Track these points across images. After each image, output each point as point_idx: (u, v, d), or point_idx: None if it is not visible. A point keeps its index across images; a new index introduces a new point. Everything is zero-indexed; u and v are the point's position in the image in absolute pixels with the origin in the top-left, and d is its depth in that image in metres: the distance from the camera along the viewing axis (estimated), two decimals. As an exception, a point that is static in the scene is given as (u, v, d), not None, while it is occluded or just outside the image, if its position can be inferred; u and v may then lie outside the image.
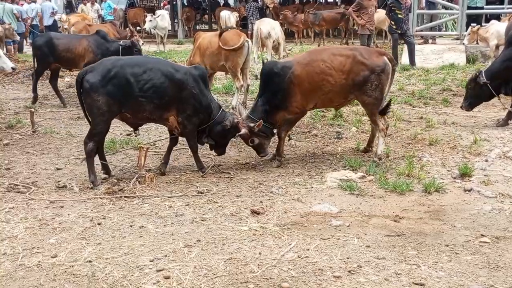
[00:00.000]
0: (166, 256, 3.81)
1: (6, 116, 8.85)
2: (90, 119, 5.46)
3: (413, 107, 8.79)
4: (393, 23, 12.69)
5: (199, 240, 4.07)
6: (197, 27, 27.34)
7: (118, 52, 9.06)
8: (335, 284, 3.36)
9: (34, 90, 9.90)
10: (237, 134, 5.92)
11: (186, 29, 24.57)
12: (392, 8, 12.58)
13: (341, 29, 19.98)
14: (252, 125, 5.81)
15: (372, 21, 13.39)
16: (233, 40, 8.36)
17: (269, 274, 3.50)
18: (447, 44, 14.55)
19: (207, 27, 29.00)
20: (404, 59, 13.24)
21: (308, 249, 3.86)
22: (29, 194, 5.29)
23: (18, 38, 15.96)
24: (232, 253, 3.84)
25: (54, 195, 5.29)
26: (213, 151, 6.14)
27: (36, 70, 9.72)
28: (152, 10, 22.54)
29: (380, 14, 15.43)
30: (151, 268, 3.62)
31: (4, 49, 14.92)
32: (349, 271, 3.50)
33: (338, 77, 5.82)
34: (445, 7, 14.84)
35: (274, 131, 6.14)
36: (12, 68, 7.80)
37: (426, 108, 8.70)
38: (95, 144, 5.48)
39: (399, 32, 12.61)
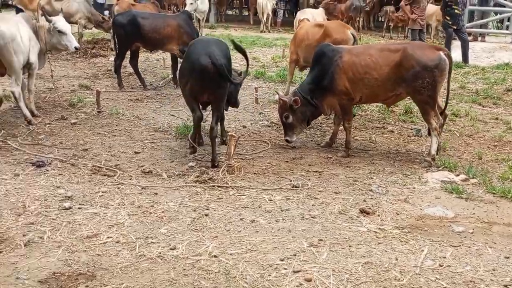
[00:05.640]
0: (295, 255, 3.59)
1: (62, 94, 8.63)
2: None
3: (483, 106, 8.51)
4: (448, 18, 12.34)
5: (322, 240, 3.85)
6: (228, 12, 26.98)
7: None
8: (496, 299, 3.15)
9: (118, 74, 9.31)
10: (277, 97, 6.20)
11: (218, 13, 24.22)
12: (449, 3, 12.22)
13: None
14: (292, 99, 5.96)
15: (424, 15, 13.10)
16: (337, 32, 7.69)
17: (417, 283, 3.28)
18: (497, 42, 14.21)
19: (237, 12, 28.73)
20: (456, 55, 12.89)
21: (445, 257, 3.64)
22: (117, 178, 5.09)
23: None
24: (364, 256, 3.62)
25: (143, 181, 5.09)
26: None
27: (118, 52, 9.18)
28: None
29: (428, 8, 15.06)
30: (286, 269, 3.41)
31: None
32: (505, 286, 3.27)
33: (382, 72, 5.71)
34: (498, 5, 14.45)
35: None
36: (76, 48, 7.38)
37: (498, 108, 8.41)
38: None
39: (455, 28, 12.27)
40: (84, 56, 12.53)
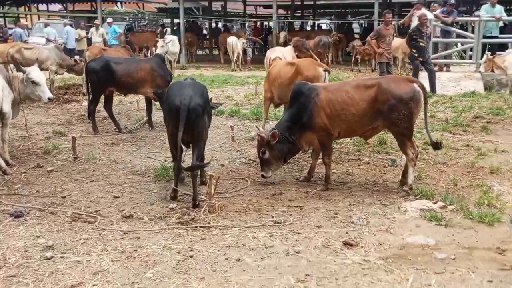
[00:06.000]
0: (284, 292, 3.61)
1: (37, 141, 8.57)
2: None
3: (454, 134, 8.74)
4: (414, 51, 12.74)
5: (308, 275, 3.87)
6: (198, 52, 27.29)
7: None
8: (483, 323, 3.20)
9: (93, 119, 9.30)
10: (254, 133, 6.18)
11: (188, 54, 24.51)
12: (414, 36, 12.65)
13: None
14: (270, 137, 6.03)
15: (390, 49, 13.46)
16: (308, 69, 7.80)
17: (406, 312, 3.32)
18: (461, 72, 14.67)
19: (207, 52, 29.11)
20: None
21: (430, 285, 3.70)
22: (98, 224, 5.04)
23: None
24: (352, 289, 3.65)
25: (124, 226, 5.04)
26: None
27: (92, 97, 9.23)
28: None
29: (394, 42, 15.52)
30: (276, 306, 3.42)
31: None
32: (491, 309, 3.34)
33: (359, 107, 5.85)
34: (460, 36, 14.99)
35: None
36: (49, 99, 7.30)
37: (468, 135, 8.64)
38: None
39: (421, 59, 12.67)
40: (57, 102, 12.45)
